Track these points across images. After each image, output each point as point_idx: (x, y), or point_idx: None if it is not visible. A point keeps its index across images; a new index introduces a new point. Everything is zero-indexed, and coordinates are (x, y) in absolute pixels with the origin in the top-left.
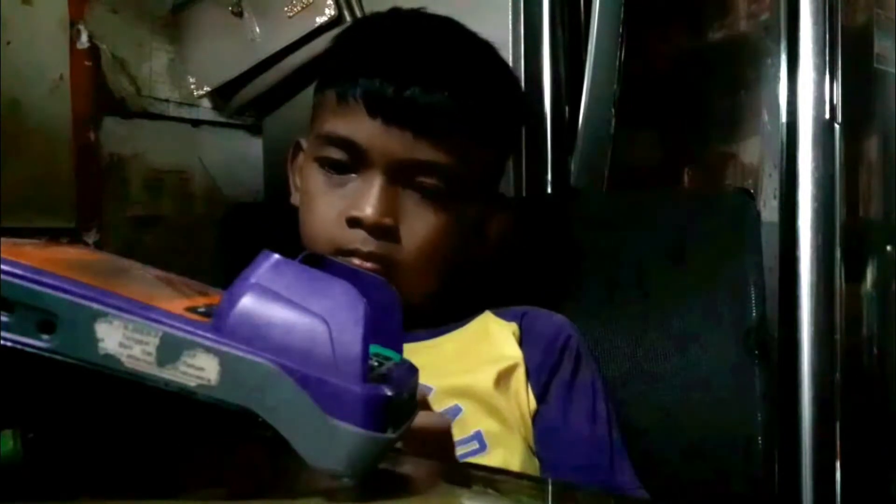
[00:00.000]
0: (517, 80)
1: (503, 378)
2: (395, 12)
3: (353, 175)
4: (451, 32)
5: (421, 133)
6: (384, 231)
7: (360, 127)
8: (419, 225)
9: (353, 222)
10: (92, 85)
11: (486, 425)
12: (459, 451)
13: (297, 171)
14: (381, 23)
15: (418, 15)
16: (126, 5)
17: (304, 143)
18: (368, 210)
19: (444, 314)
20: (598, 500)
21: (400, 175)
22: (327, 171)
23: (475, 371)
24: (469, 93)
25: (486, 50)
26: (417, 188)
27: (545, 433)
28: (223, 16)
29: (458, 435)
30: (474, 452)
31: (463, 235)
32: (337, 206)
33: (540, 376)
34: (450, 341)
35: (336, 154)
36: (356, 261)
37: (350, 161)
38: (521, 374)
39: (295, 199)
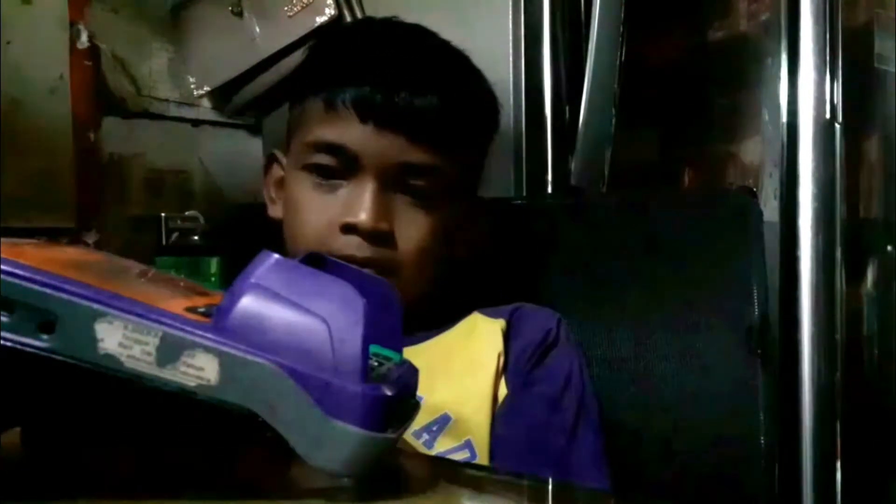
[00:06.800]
0: (490, 86)
1: (490, 380)
2: (368, 21)
3: (344, 181)
4: (428, 38)
5: (412, 136)
6: (380, 236)
7: (352, 133)
8: (413, 228)
9: (348, 228)
10: (92, 85)
11: (477, 433)
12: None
13: (273, 184)
14: (357, 32)
15: (392, 23)
16: (126, 5)
17: (279, 155)
18: (364, 216)
19: (433, 317)
20: (597, 500)
21: (392, 179)
22: (316, 178)
23: (464, 377)
24: (453, 96)
25: (461, 56)
26: (409, 192)
27: (503, 415)
28: (223, 16)
29: (448, 444)
30: (465, 461)
31: (450, 237)
32: (328, 212)
33: (517, 367)
34: (438, 345)
35: (326, 160)
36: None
37: (341, 167)
38: (500, 366)
39: (273, 210)
